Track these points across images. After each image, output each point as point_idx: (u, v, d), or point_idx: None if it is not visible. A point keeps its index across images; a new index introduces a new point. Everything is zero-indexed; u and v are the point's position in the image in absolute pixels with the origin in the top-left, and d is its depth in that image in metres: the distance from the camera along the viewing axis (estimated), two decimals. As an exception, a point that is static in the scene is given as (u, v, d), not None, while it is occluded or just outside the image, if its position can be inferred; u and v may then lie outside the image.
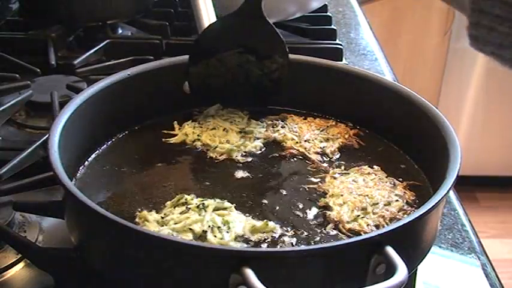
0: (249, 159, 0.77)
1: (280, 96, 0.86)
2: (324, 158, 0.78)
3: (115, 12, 1.21)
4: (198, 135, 0.80)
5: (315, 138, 0.80)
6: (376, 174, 0.73)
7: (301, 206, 0.69)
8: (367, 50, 1.28)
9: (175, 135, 0.81)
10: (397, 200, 0.69)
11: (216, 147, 0.78)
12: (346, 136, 0.81)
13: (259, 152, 0.79)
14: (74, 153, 0.70)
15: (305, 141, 0.80)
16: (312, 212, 0.68)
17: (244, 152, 0.78)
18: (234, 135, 0.80)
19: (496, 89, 2.57)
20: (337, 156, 0.78)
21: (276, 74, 0.84)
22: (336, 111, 0.85)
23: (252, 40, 0.83)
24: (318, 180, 0.73)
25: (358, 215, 0.66)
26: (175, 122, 0.82)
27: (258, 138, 0.81)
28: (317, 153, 0.78)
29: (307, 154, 0.78)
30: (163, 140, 0.80)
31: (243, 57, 0.84)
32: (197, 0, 0.89)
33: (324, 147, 0.79)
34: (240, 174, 0.75)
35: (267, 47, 0.83)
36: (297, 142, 0.80)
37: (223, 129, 0.81)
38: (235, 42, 0.83)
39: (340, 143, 0.80)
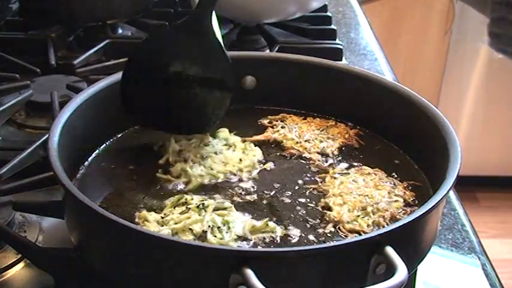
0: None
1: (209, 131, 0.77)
2: (324, 158, 0.78)
3: (115, 12, 1.21)
4: (207, 172, 0.72)
5: (315, 138, 0.80)
6: (376, 174, 0.73)
7: (301, 206, 0.69)
8: (367, 50, 1.28)
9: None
10: (397, 200, 0.69)
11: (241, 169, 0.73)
12: (346, 136, 0.81)
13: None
14: (74, 153, 0.70)
15: (305, 141, 0.80)
16: (312, 212, 0.68)
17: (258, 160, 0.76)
18: (230, 153, 0.76)
19: (496, 89, 2.57)
20: (337, 156, 0.78)
21: (215, 102, 0.76)
22: (336, 111, 0.85)
23: (195, 59, 0.74)
24: (318, 180, 0.73)
25: (358, 215, 0.66)
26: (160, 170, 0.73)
27: (255, 144, 0.79)
28: (317, 153, 0.78)
29: (308, 154, 0.78)
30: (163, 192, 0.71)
31: (183, 75, 0.74)
32: (197, 1, 0.89)
33: (324, 147, 0.79)
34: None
35: (212, 69, 0.75)
36: (297, 142, 0.80)
37: (215, 153, 0.75)
38: (177, 58, 0.74)
39: (340, 143, 0.80)
